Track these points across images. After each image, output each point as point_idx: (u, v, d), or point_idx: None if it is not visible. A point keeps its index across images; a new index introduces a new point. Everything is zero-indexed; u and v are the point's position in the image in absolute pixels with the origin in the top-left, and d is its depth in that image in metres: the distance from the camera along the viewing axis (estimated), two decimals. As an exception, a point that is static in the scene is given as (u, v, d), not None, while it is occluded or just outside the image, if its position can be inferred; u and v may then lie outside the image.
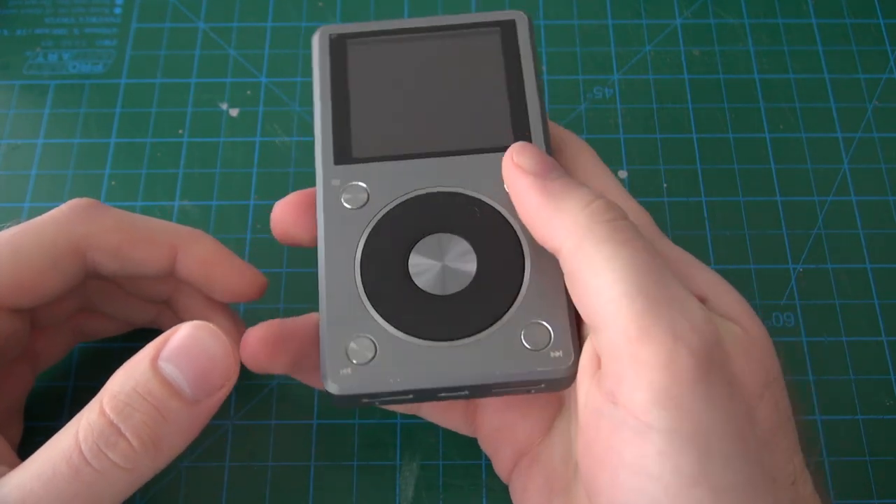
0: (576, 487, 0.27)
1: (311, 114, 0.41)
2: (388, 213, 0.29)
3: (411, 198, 0.29)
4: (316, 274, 0.28)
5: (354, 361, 0.26)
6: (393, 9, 0.44)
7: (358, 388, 0.26)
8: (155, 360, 0.25)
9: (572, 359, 0.26)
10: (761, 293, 0.37)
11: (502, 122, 0.30)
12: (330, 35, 0.32)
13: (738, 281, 0.37)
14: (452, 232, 0.28)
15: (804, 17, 0.44)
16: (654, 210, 0.30)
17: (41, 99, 0.42)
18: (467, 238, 0.28)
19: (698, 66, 0.43)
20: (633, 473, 0.23)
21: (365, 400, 0.27)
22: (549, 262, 0.27)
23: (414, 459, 0.34)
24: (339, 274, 0.28)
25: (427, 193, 0.29)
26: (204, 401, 0.25)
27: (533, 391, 0.27)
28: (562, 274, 0.26)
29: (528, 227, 0.27)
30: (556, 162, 0.27)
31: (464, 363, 0.26)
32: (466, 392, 0.27)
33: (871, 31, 0.44)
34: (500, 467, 0.31)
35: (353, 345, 0.27)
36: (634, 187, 0.40)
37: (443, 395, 0.27)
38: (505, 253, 0.28)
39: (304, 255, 0.37)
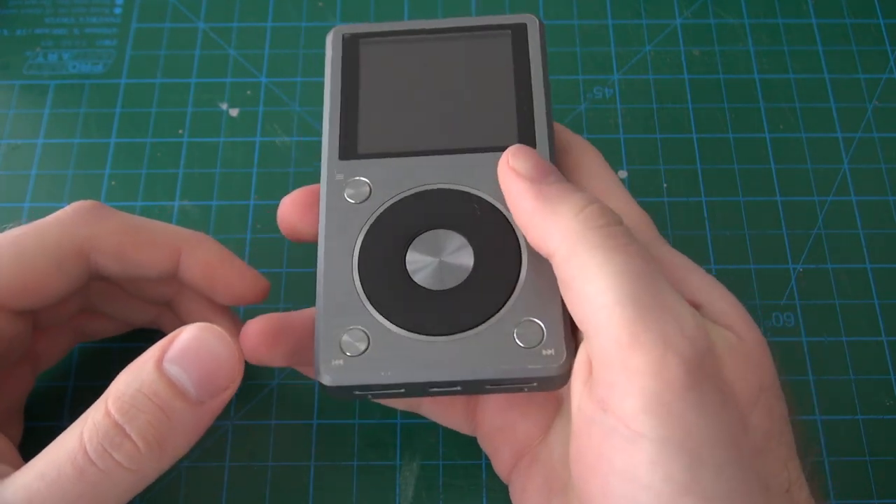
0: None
1: (311, 114, 0.41)
2: (388, 207, 0.29)
3: (412, 194, 0.29)
4: (316, 274, 0.28)
5: (347, 353, 0.26)
6: (393, 9, 0.44)
7: (349, 379, 0.26)
8: (160, 361, 0.25)
9: (564, 358, 0.26)
10: (761, 293, 0.37)
11: (508, 124, 0.30)
12: (343, 34, 0.32)
13: (738, 281, 0.37)
14: (451, 228, 0.28)
15: (804, 17, 0.44)
16: (654, 210, 0.30)
17: (41, 99, 0.42)
18: (465, 235, 0.28)
19: (698, 66, 0.43)
20: (624, 481, 0.23)
21: (357, 392, 0.27)
22: (546, 261, 0.27)
23: (414, 459, 0.34)
24: (337, 266, 0.28)
25: (428, 190, 0.29)
26: (208, 402, 0.25)
27: (526, 389, 0.27)
28: None
29: (523, 230, 0.27)
30: (552, 166, 0.27)
31: (456, 358, 0.26)
32: (459, 388, 0.27)
33: (871, 31, 0.44)
34: (500, 467, 0.31)
35: (346, 337, 0.27)
36: (634, 187, 0.40)
37: (435, 390, 0.27)
38: (502, 250, 0.28)
39: (305, 255, 0.38)
